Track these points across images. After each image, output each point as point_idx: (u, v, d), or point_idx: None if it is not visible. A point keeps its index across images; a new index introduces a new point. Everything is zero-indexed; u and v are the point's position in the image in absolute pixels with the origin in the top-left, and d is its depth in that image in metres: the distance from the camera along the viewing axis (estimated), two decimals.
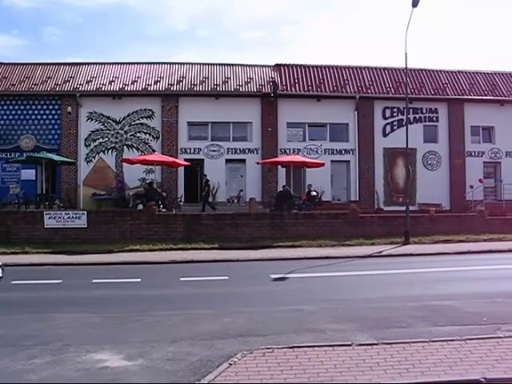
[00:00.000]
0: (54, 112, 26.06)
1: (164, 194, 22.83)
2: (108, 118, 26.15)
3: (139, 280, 11.95)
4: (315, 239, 18.43)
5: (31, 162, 22.90)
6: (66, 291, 10.90)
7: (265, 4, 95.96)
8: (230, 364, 5.88)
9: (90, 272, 13.41)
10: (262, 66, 28.35)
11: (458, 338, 6.55)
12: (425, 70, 28.98)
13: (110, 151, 26.21)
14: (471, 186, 26.23)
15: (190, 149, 26.47)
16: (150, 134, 26.37)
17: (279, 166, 25.50)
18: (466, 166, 27.68)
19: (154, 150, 25.66)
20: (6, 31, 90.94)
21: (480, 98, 27.97)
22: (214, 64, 28.31)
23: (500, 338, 6.64)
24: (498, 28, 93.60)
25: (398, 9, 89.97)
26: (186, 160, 24.53)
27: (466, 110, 27.90)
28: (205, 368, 5.87)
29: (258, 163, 25.03)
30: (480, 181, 26.60)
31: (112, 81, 26.68)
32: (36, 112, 25.96)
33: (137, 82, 26.68)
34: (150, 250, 16.95)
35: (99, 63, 28.03)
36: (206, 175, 24.41)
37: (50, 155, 22.12)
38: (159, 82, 26.82)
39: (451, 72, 29.13)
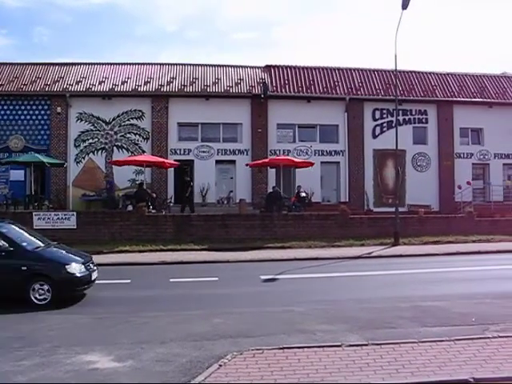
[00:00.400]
0: (43, 112, 25.81)
1: (154, 194, 22.71)
2: (98, 118, 25.98)
3: (129, 281, 11.91)
4: (305, 240, 18.46)
5: (20, 162, 22.70)
6: None
7: (255, 5, 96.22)
8: (220, 365, 5.89)
9: None
10: (253, 67, 28.29)
11: (446, 339, 6.61)
12: (414, 71, 29.08)
13: (100, 152, 26.02)
14: (459, 187, 26.44)
15: (180, 150, 26.39)
16: (139, 135, 26.22)
17: (269, 167, 25.50)
18: (454, 168, 27.81)
19: (143, 151, 25.59)
20: None
21: (469, 100, 28.12)
22: (204, 65, 28.20)
23: (488, 338, 6.71)
24: (488, 30, 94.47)
25: (388, 11, 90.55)
26: (176, 161, 24.42)
27: (455, 111, 28.06)
28: (195, 369, 5.88)
29: (247, 165, 24.97)
30: (468, 183, 26.82)
31: (102, 81, 26.49)
32: (25, 112, 25.68)
33: (127, 82, 26.54)
34: (140, 251, 16.88)
35: (89, 63, 27.81)
36: (188, 177, 24.20)
37: (38, 156, 21.89)
38: (149, 82, 26.69)
39: (441, 74, 29.29)
